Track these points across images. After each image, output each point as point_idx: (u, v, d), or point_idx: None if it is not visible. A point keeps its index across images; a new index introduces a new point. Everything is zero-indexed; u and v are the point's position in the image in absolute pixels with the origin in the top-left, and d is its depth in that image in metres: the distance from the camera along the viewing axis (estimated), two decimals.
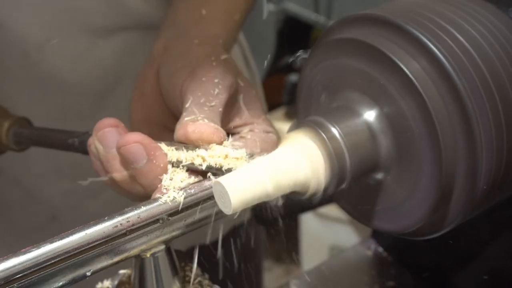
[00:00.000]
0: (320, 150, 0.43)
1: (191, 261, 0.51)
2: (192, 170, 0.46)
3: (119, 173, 0.48)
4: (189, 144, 0.47)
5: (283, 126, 0.54)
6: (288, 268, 2.29)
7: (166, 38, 0.60)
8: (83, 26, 0.70)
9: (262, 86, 1.04)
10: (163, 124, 0.55)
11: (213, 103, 0.49)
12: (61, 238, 0.39)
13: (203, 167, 0.45)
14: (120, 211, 0.42)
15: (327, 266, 0.75)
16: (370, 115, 0.45)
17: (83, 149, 0.53)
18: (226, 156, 0.45)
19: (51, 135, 0.60)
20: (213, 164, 0.45)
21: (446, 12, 0.44)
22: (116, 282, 0.50)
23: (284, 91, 2.09)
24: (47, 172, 0.76)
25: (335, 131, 0.43)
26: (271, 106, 2.32)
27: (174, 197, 0.43)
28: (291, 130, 0.45)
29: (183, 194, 0.43)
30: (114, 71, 0.74)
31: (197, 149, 0.46)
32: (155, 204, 0.42)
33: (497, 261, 0.61)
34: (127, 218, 0.41)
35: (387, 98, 0.43)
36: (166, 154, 0.46)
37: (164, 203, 0.43)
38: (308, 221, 1.97)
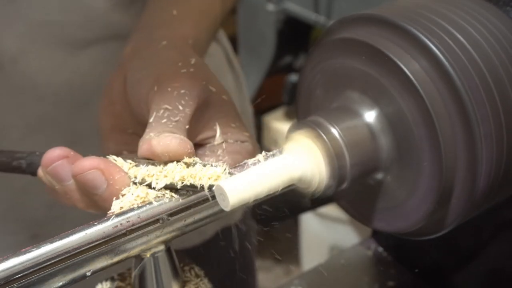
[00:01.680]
0: (320, 150, 0.43)
1: (191, 261, 0.51)
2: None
3: (80, 202, 0.46)
4: (154, 160, 0.45)
5: (283, 126, 0.53)
6: (288, 268, 2.29)
7: (135, 41, 0.57)
8: (60, 38, 0.68)
9: (262, 86, 1.03)
10: (134, 132, 0.53)
11: (177, 118, 0.46)
12: (61, 238, 0.39)
13: (177, 185, 0.43)
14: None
15: (327, 266, 0.75)
16: (370, 115, 0.45)
17: (32, 171, 0.50)
18: (200, 177, 0.43)
19: None
20: (186, 181, 0.43)
21: (446, 12, 0.44)
22: (116, 283, 0.50)
23: (284, 91, 2.09)
24: (29, 184, 0.72)
25: (335, 131, 0.43)
26: (271, 106, 2.33)
27: (173, 197, 0.43)
28: (291, 130, 0.45)
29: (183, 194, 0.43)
30: (92, 80, 0.71)
31: (161, 165, 0.44)
32: (155, 204, 0.42)
33: (497, 261, 0.61)
34: (127, 218, 0.41)
35: (387, 98, 0.43)
36: (127, 175, 0.44)
37: (164, 203, 0.43)
38: (308, 221, 1.97)
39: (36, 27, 0.66)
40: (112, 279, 0.50)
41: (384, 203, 0.47)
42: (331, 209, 1.79)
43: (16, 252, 0.38)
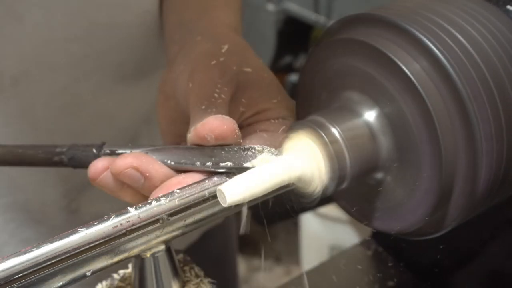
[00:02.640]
0: (320, 150, 0.43)
1: (191, 261, 0.51)
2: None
3: (130, 197, 0.49)
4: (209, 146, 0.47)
5: None
6: (288, 268, 2.29)
7: (180, 39, 0.60)
8: (63, 59, 0.66)
9: None
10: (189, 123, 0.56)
11: (215, 108, 0.48)
12: (61, 238, 0.39)
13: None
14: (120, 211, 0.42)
15: (327, 266, 0.76)
16: (370, 115, 0.45)
17: (74, 165, 0.53)
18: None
19: (28, 153, 0.56)
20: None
21: (446, 12, 0.44)
22: (116, 283, 0.50)
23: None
24: None
25: (335, 131, 0.43)
26: None
27: (174, 197, 0.43)
28: (291, 130, 0.45)
29: (183, 194, 0.44)
30: (91, 110, 0.71)
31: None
32: (155, 204, 0.43)
33: (497, 261, 0.61)
34: (127, 218, 0.41)
35: (387, 98, 0.43)
36: (162, 165, 0.47)
37: (164, 203, 0.43)
38: (308, 221, 1.97)
39: (40, 46, 0.65)
40: (112, 279, 0.50)
41: (384, 203, 0.47)
42: (331, 209, 1.79)
43: (16, 252, 0.38)
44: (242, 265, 2.27)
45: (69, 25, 0.65)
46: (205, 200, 0.44)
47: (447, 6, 0.45)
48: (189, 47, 0.56)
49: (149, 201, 0.43)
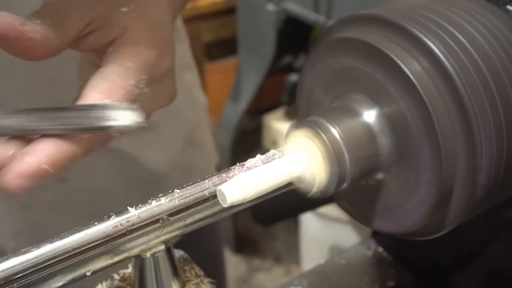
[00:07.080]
0: (320, 150, 0.43)
1: (191, 261, 0.51)
2: None
3: None
4: None
5: (283, 126, 0.53)
6: (288, 268, 2.29)
7: None
8: None
9: (262, 86, 1.01)
10: None
11: None
12: (61, 238, 0.39)
13: None
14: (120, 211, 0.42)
15: (327, 266, 0.76)
16: (370, 115, 0.45)
17: None
18: None
19: None
20: None
21: (446, 11, 0.44)
22: (116, 283, 0.50)
23: (284, 91, 2.09)
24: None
25: (334, 131, 0.43)
26: (271, 106, 2.33)
27: (174, 197, 0.43)
28: (290, 130, 0.45)
29: (183, 194, 0.44)
30: None
31: None
32: (155, 204, 0.43)
33: (497, 261, 0.61)
34: (127, 218, 0.41)
35: (387, 98, 0.43)
36: None
37: (164, 203, 0.43)
38: (308, 221, 1.97)
39: None
40: (112, 279, 0.50)
41: (384, 204, 0.47)
42: (331, 209, 1.79)
43: (16, 252, 0.38)
44: (242, 265, 2.27)
45: None
46: (205, 200, 0.44)
47: (447, 5, 0.45)
48: None
49: (149, 201, 0.43)
